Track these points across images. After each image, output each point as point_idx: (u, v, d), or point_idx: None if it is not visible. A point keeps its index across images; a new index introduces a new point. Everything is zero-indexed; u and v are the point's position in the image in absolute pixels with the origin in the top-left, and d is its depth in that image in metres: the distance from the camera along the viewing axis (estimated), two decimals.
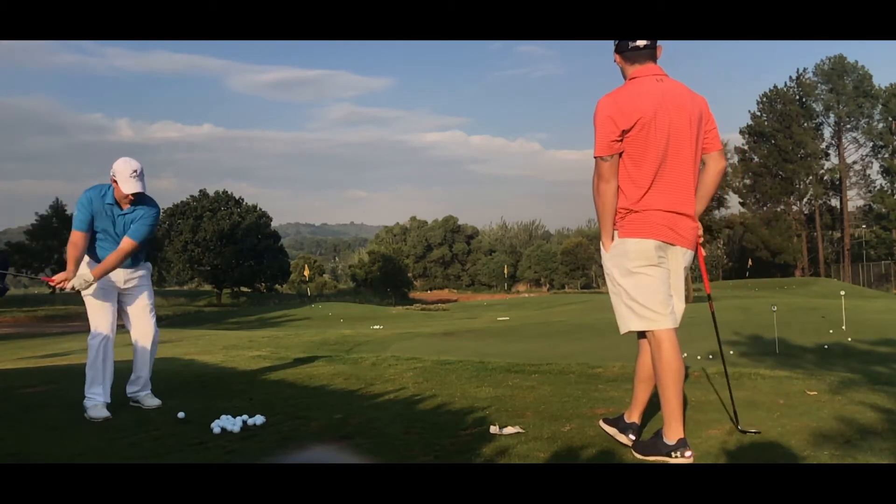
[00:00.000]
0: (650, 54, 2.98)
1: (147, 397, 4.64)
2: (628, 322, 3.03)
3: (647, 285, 2.95)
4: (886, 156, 54.58)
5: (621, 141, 2.89)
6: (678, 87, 2.98)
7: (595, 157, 2.94)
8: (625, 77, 3.05)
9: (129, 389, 4.67)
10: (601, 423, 3.36)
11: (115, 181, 4.41)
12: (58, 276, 4.49)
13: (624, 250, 2.98)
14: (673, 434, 2.91)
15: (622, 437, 3.21)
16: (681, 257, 3.06)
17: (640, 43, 2.94)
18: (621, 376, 4.90)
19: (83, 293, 4.46)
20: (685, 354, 8.03)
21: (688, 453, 2.87)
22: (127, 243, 4.46)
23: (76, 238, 4.44)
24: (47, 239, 31.40)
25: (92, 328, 4.50)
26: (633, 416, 3.23)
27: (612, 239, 3.03)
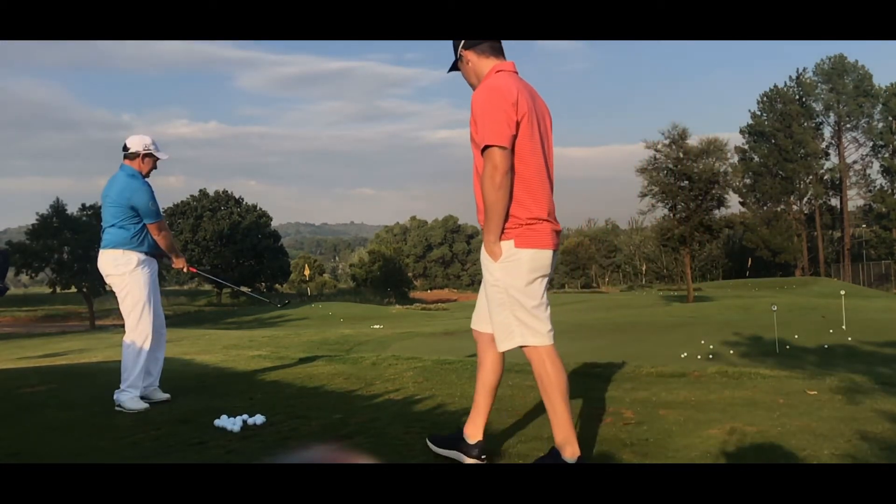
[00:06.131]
0: (501, 48, 2.81)
1: (156, 392, 4.67)
2: (516, 336, 2.73)
3: (539, 300, 2.74)
4: (886, 155, 54.54)
5: (516, 133, 2.62)
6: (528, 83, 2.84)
7: (491, 146, 2.57)
8: (475, 78, 2.83)
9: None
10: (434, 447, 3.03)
11: (147, 155, 4.56)
12: (180, 262, 4.85)
13: (519, 261, 2.68)
14: (569, 452, 2.67)
15: (470, 459, 2.85)
16: (555, 261, 2.88)
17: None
18: (621, 376, 4.90)
19: (137, 288, 4.54)
20: (684, 354, 8.06)
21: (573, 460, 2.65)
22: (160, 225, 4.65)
23: (165, 224, 4.66)
24: (47, 238, 31.31)
25: (146, 323, 4.55)
26: (472, 430, 2.89)
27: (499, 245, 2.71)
